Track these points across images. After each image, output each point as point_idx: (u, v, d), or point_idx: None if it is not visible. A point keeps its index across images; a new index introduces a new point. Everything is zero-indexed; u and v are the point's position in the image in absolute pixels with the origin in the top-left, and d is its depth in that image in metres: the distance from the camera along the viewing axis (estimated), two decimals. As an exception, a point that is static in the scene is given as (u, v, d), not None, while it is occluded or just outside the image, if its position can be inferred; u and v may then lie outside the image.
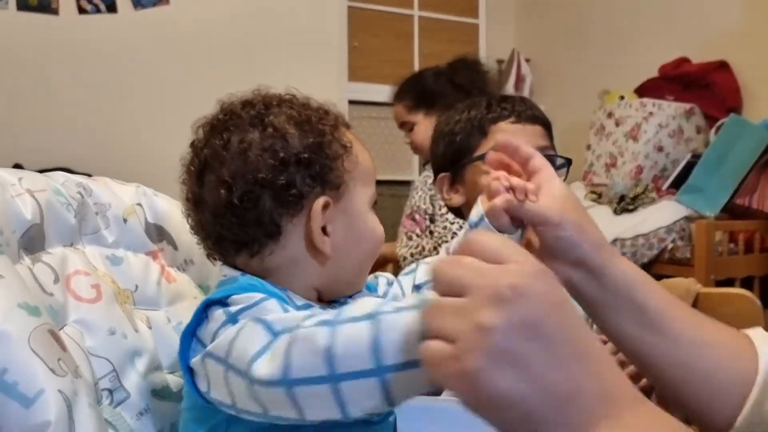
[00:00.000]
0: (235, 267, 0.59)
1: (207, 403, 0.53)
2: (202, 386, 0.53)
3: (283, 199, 0.56)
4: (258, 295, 0.53)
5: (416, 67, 3.17)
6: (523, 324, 0.34)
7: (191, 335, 0.54)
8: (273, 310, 0.51)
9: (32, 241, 0.61)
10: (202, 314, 0.54)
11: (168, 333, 0.67)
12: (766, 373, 0.60)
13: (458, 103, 1.03)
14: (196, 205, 0.59)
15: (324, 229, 0.58)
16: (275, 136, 0.57)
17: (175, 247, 0.73)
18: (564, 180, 0.72)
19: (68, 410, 0.51)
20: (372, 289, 0.67)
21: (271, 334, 0.47)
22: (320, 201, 0.57)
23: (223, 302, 0.53)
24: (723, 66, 2.52)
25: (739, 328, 1.29)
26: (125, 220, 0.70)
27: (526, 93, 3.28)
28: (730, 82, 2.51)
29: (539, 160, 0.60)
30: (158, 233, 0.73)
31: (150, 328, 0.67)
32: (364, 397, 0.43)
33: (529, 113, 0.97)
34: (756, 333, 0.65)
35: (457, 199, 0.97)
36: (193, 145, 0.60)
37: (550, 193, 0.58)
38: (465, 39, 3.29)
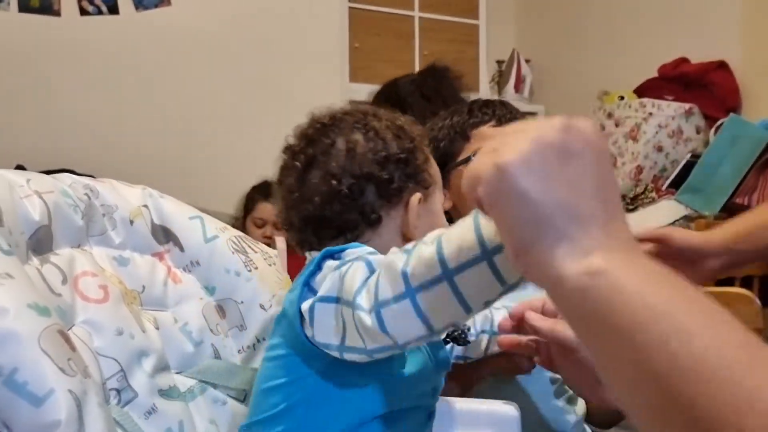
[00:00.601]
0: None
1: (312, 347, 0.58)
2: (308, 331, 0.58)
3: (384, 192, 0.65)
4: (369, 249, 0.60)
5: (417, 68, 3.18)
6: (563, 148, 0.37)
7: (305, 284, 0.59)
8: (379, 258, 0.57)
9: (40, 243, 0.62)
10: (317, 265, 0.60)
11: (175, 333, 0.68)
12: None
13: (425, 112, 1.07)
14: (300, 197, 0.66)
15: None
16: (377, 138, 0.66)
17: (182, 249, 0.74)
18: None
19: (78, 410, 0.52)
20: None
21: (369, 271, 0.54)
22: (417, 195, 0.66)
23: (336, 255, 0.60)
24: (722, 66, 2.51)
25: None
26: (132, 222, 0.71)
27: (526, 93, 3.29)
28: (730, 82, 2.50)
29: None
30: (164, 235, 0.74)
31: (157, 328, 0.67)
32: (479, 283, 0.47)
33: (509, 117, 1.00)
34: None
35: (445, 204, 1.00)
36: (291, 148, 0.68)
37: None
38: (465, 39, 3.30)
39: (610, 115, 2.60)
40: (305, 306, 0.58)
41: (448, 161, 0.97)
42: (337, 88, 2.88)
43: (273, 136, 2.65)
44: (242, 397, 0.69)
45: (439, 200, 0.71)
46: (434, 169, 0.71)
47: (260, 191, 2.13)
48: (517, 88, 3.27)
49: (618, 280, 0.34)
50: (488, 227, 0.46)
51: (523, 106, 3.22)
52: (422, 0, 3.19)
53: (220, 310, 0.73)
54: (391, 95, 1.82)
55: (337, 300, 0.55)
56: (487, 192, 0.37)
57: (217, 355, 0.69)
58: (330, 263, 0.59)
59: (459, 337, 0.72)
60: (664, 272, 0.35)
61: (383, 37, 3.13)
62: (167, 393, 0.63)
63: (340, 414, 0.59)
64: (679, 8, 2.71)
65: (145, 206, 0.73)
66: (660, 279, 0.35)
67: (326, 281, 0.57)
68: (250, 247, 0.76)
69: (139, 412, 0.61)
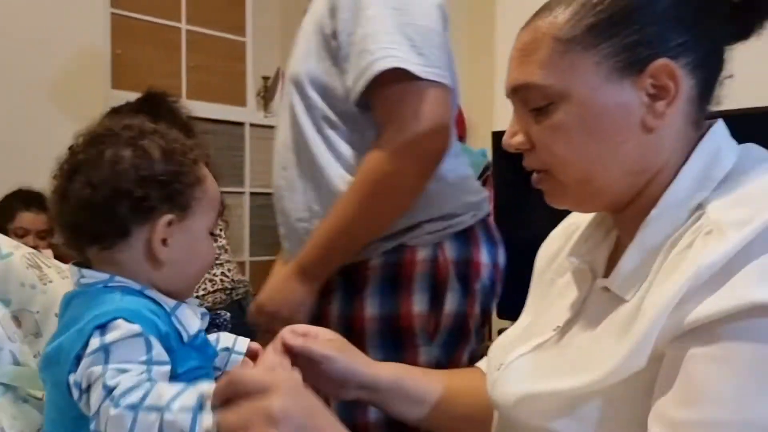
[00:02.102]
0: (88, 260, 0.71)
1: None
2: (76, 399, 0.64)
3: (136, 209, 0.68)
4: (135, 329, 0.64)
5: (183, 78, 3.21)
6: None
7: (76, 357, 0.64)
8: (136, 355, 0.63)
9: None
10: (86, 341, 0.63)
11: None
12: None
13: None
14: (61, 198, 0.70)
15: (165, 241, 0.70)
16: (143, 157, 0.69)
17: (-26, 265, 0.79)
18: None
19: None
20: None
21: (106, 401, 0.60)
22: (167, 217, 0.69)
23: (103, 329, 0.63)
24: None
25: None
26: None
27: (291, 111, 3.48)
28: (458, 114, 2.90)
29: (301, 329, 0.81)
30: None
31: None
32: None
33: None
34: (484, 362, 0.94)
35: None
36: (71, 148, 0.71)
37: (323, 337, 0.81)
38: (233, 54, 3.37)
39: None
40: (71, 381, 0.63)
41: None
42: (100, 95, 2.80)
43: (33, 141, 2.57)
44: (41, 396, 0.77)
45: (203, 222, 0.73)
46: (207, 193, 0.73)
47: (20, 200, 2.03)
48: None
49: None
50: None
51: (288, 124, 3.42)
52: (190, 13, 3.19)
53: (16, 320, 0.79)
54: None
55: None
56: None
57: (15, 361, 0.76)
58: (94, 360, 0.62)
59: (220, 322, 0.83)
60: None
61: (148, 46, 3.08)
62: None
63: None
64: None
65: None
66: None
67: (93, 395, 0.61)
68: (43, 262, 0.84)
69: None
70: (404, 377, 0.86)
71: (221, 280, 1.77)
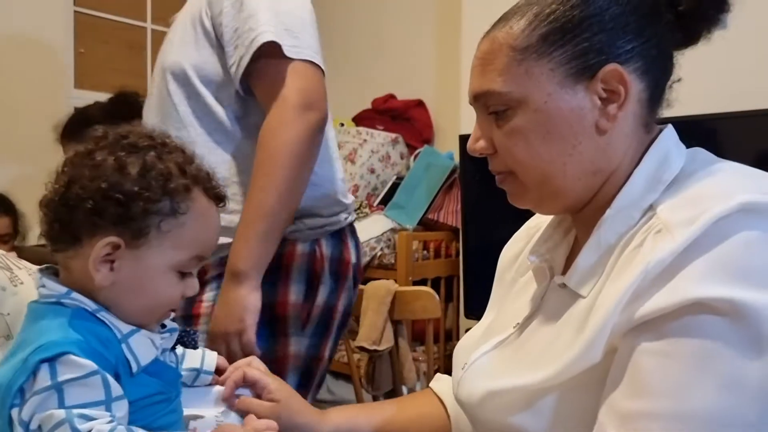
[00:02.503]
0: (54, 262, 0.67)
1: None
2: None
3: (86, 220, 0.64)
4: (89, 366, 0.59)
5: (149, 78, 3.16)
6: None
7: (19, 390, 0.60)
8: (94, 395, 0.59)
9: None
10: (33, 372, 0.59)
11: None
12: (452, 411, 0.91)
13: None
14: (46, 192, 0.67)
15: (112, 263, 0.65)
16: (115, 171, 0.64)
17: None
18: None
19: None
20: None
21: None
22: (108, 239, 0.64)
23: (51, 363, 0.59)
24: (420, 104, 2.93)
25: (424, 317, 1.71)
26: None
27: (258, 113, 3.46)
28: (425, 117, 2.91)
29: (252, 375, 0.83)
30: None
31: None
32: None
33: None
34: (437, 383, 0.96)
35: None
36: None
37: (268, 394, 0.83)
38: (199, 55, 3.37)
39: None
40: (14, 416, 0.59)
41: None
42: (62, 94, 2.75)
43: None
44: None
45: (163, 257, 0.66)
46: (182, 228, 0.66)
47: None
48: (250, 107, 3.41)
49: None
50: None
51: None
52: (155, 12, 3.15)
53: (-14, 322, 0.78)
54: (81, 123, 1.86)
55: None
56: None
57: (-15, 364, 0.75)
58: (47, 400, 0.58)
59: (188, 341, 0.76)
60: None
61: (112, 45, 3.04)
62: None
63: None
64: (387, 51, 3.09)
65: None
66: None
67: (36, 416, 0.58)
68: (14, 264, 0.83)
69: None
70: (357, 416, 0.90)
71: None
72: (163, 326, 0.74)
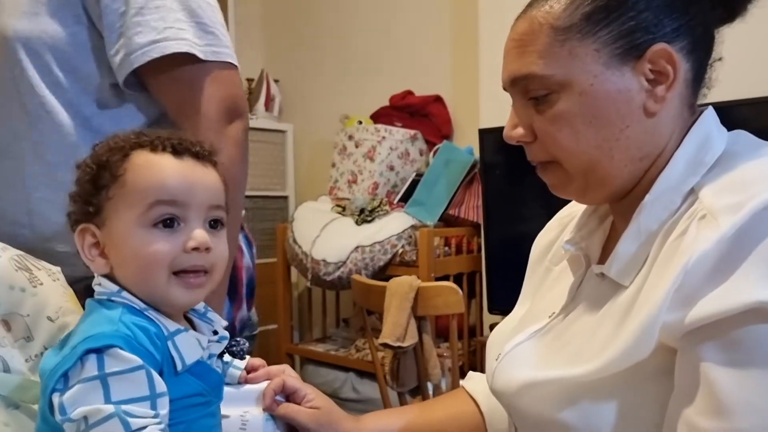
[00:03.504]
0: None
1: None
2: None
3: (70, 221, 0.70)
4: (135, 361, 0.60)
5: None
6: None
7: (63, 375, 0.61)
8: (139, 390, 0.59)
9: None
10: (80, 358, 0.60)
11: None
12: (486, 410, 0.88)
13: None
14: None
15: (103, 251, 0.68)
16: (85, 165, 0.70)
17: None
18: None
19: None
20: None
21: None
22: (77, 230, 0.69)
23: (99, 353, 0.60)
24: (438, 99, 2.91)
25: (447, 312, 1.68)
26: None
27: (275, 112, 3.46)
28: (444, 113, 2.90)
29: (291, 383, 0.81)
30: None
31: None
32: None
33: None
34: (469, 381, 0.94)
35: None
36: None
37: (307, 402, 0.81)
38: (216, 56, 3.37)
39: (351, 137, 2.83)
40: (55, 401, 0.60)
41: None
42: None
43: None
44: (34, 401, 0.75)
45: (125, 219, 0.66)
46: (123, 187, 0.67)
47: None
48: (267, 106, 3.41)
49: None
50: None
51: (273, 125, 3.41)
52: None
53: (6, 324, 0.77)
54: None
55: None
56: None
57: (6, 367, 0.74)
58: (91, 391, 0.59)
59: (236, 350, 0.76)
60: None
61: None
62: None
63: None
64: (403, 47, 3.09)
65: None
66: None
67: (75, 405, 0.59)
68: (33, 264, 0.82)
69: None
70: (389, 417, 0.88)
71: None
72: (215, 333, 0.74)
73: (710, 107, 0.71)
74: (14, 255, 0.81)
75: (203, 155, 0.71)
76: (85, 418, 0.58)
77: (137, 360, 0.61)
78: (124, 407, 0.59)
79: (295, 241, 2.65)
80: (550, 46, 0.66)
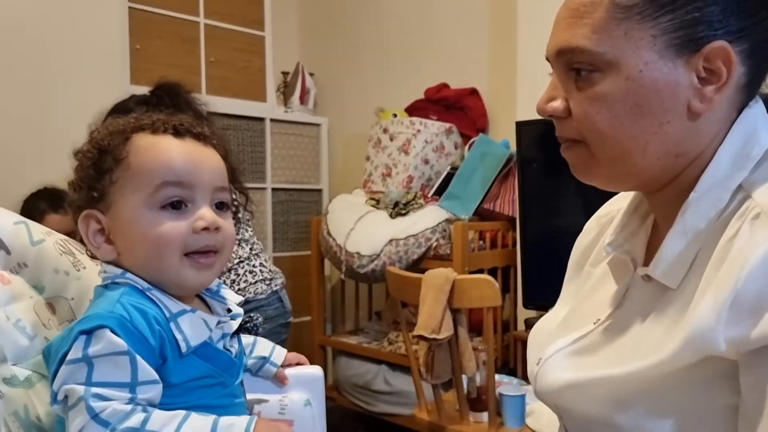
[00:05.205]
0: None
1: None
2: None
3: (71, 208, 0.71)
4: (120, 345, 0.60)
5: (203, 74, 3.20)
6: None
7: (61, 362, 0.61)
8: (119, 375, 0.59)
9: None
10: (73, 340, 0.61)
11: (9, 329, 0.73)
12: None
13: None
14: None
15: (109, 236, 0.68)
16: (86, 150, 0.70)
17: (8, 252, 0.78)
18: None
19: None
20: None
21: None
22: (81, 216, 0.69)
23: (87, 334, 0.60)
24: (474, 92, 2.88)
25: (482, 305, 1.65)
26: (-43, 228, 0.73)
27: (310, 105, 3.47)
28: (479, 106, 2.86)
29: None
30: None
31: (-9, 325, 0.71)
32: None
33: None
34: (530, 418, 0.91)
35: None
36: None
37: None
38: (252, 49, 3.35)
39: (385, 130, 2.82)
40: (56, 388, 0.61)
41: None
42: (118, 90, 2.80)
43: (52, 139, 2.56)
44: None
45: (131, 203, 0.67)
46: (128, 170, 0.67)
47: (47, 201, 2.01)
48: (302, 99, 3.42)
49: None
50: None
51: (308, 118, 3.41)
52: (208, 7, 3.18)
53: (51, 307, 0.78)
54: (118, 115, 1.84)
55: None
56: None
57: (51, 348, 0.75)
58: (75, 372, 0.59)
59: (250, 326, 0.79)
60: None
61: (166, 41, 3.07)
62: (10, 381, 0.68)
63: None
64: (438, 39, 3.06)
65: (-32, 212, 0.75)
66: None
67: (75, 418, 0.58)
68: (77, 249, 0.83)
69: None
70: None
71: (260, 271, 1.74)
72: (229, 311, 0.73)
73: (759, 100, 0.67)
74: (59, 239, 0.82)
75: (204, 136, 0.71)
76: (66, 398, 0.59)
77: (122, 344, 0.60)
78: (98, 390, 0.58)
79: (329, 233, 2.66)
80: (606, 21, 0.62)
